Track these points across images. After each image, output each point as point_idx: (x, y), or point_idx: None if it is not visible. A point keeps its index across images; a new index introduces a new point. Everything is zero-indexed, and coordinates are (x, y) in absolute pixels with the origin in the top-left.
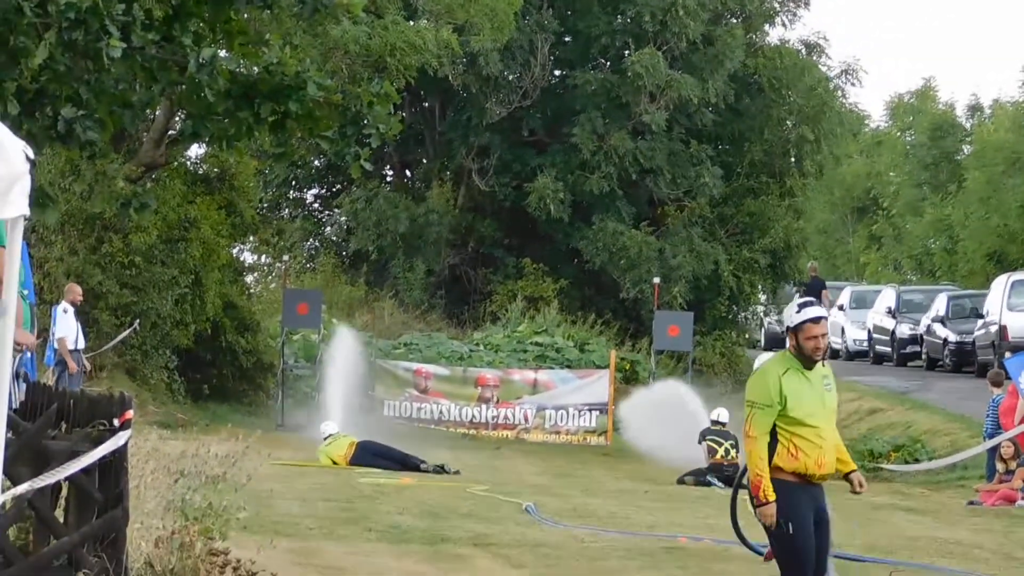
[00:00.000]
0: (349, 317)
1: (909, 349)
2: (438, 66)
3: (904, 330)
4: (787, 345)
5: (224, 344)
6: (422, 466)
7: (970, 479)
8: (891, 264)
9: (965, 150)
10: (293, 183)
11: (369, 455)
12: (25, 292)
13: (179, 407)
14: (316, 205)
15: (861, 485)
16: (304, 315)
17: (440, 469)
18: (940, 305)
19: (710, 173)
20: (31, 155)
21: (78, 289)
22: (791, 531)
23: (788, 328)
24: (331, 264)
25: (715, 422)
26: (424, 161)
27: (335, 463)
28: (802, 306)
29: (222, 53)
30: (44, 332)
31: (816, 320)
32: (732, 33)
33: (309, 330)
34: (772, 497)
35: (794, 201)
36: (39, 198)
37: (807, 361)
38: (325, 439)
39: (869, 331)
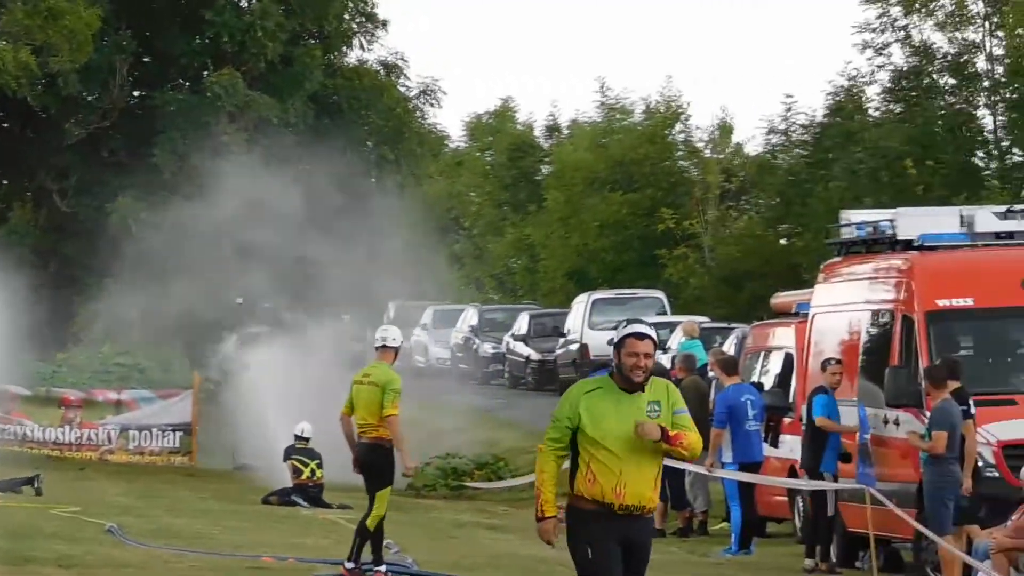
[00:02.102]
0: None
1: (492, 367)
2: (17, 87)
3: (487, 348)
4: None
5: None
6: (36, 483)
7: None
8: (473, 283)
9: (544, 170)
10: None
11: None
12: None
13: None
14: None
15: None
16: None
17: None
18: (522, 324)
19: (291, 194)
20: None
21: None
22: (589, 556)
23: (613, 344)
24: None
25: (299, 437)
26: (5, 182)
27: None
28: (629, 322)
29: None
30: None
31: (640, 336)
32: (311, 54)
33: None
34: (549, 513)
35: (376, 221)
36: None
37: (626, 381)
38: None
39: (452, 349)
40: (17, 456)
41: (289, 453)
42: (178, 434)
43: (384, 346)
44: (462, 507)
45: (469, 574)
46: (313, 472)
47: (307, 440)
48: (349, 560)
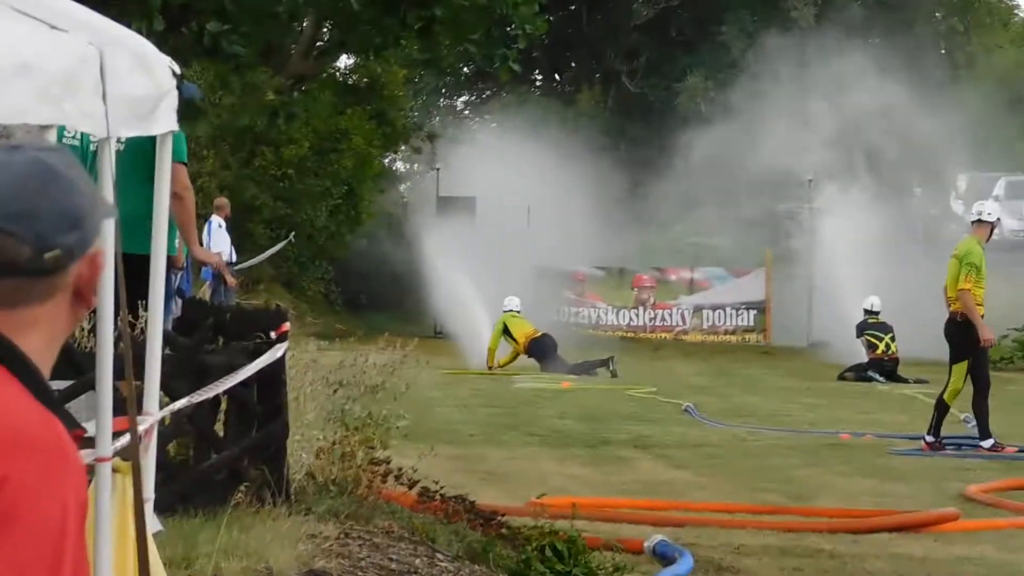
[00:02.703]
0: None
1: None
2: None
3: None
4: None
5: (380, 253)
6: (611, 365)
7: None
8: None
9: None
10: (443, 91)
11: (551, 349)
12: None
13: (336, 317)
14: (467, 112)
15: None
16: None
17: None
18: None
19: (860, 68)
20: (177, 71)
21: (227, 203)
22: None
23: (987, 221)
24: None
25: (869, 311)
26: (573, 65)
27: (513, 338)
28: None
29: None
30: None
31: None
32: None
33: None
34: None
35: (946, 94)
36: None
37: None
38: (508, 311)
39: None
40: (592, 339)
41: (862, 328)
42: (752, 312)
43: (979, 220)
44: None
45: None
46: (888, 346)
47: (878, 314)
48: (929, 433)
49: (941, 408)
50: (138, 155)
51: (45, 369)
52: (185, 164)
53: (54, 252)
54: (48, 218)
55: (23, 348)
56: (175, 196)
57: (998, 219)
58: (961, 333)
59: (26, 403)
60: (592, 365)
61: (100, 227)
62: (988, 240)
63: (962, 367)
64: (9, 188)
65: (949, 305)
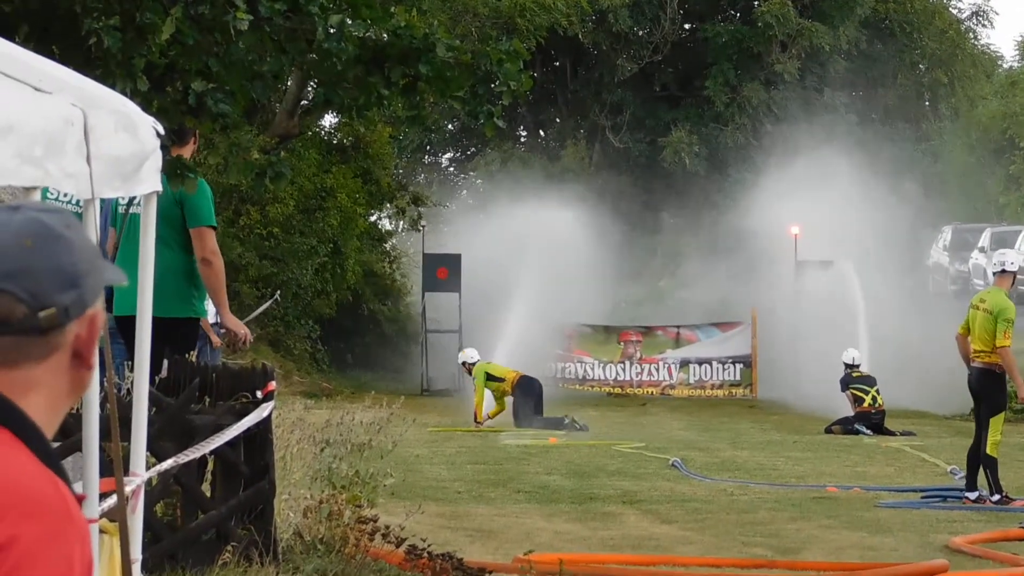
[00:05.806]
0: None
1: None
2: (568, 25)
3: None
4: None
5: (366, 312)
6: (565, 421)
7: None
8: None
9: None
10: (427, 148)
11: (535, 390)
12: None
13: (323, 376)
14: (451, 169)
15: None
16: (444, 279)
17: (573, 422)
18: None
19: (845, 121)
20: (161, 131)
21: None
22: None
23: (1010, 271)
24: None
25: (850, 365)
26: (557, 120)
27: (497, 380)
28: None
29: (349, 20)
30: None
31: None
32: None
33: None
34: None
35: (930, 145)
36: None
37: None
38: (475, 361)
39: None
40: (579, 394)
41: (847, 383)
42: (738, 366)
43: (1003, 271)
44: None
45: None
46: (874, 399)
47: (859, 367)
48: (970, 490)
49: (990, 462)
50: (157, 217)
51: (49, 431)
52: (215, 228)
53: (49, 311)
54: (43, 277)
55: (25, 410)
56: (203, 261)
57: (1021, 267)
58: (999, 386)
59: (32, 466)
60: (553, 423)
61: (100, 288)
62: (1011, 289)
63: (1000, 419)
64: (5, 247)
65: (972, 358)
